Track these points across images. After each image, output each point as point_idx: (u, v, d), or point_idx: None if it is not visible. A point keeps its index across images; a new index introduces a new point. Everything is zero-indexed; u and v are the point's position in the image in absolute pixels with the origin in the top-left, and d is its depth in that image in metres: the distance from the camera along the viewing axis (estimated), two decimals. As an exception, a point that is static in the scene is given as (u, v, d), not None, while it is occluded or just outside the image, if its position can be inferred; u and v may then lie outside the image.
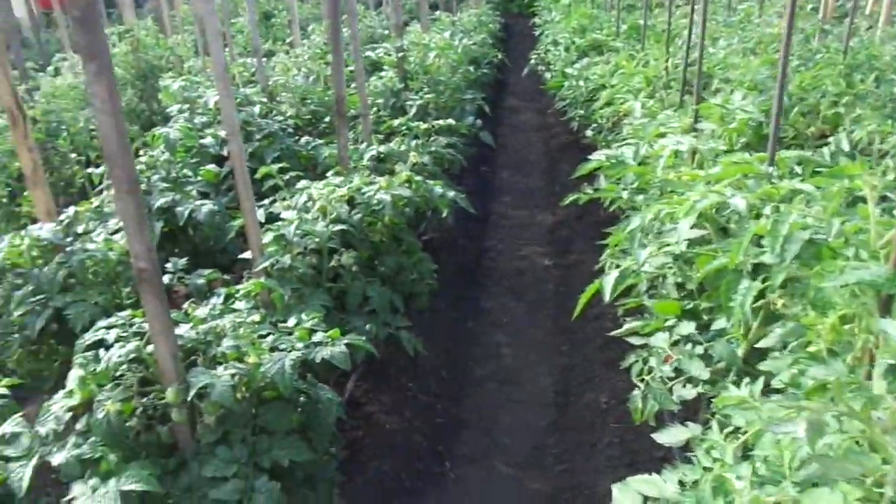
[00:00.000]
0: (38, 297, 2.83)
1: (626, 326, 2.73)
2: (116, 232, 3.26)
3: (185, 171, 3.75)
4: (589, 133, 6.47)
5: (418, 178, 3.47)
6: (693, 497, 1.58)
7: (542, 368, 4.26)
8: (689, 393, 2.32)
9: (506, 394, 4.04)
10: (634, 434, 3.42)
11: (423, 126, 4.28)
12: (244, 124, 4.35)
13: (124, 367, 2.14)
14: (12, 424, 2.10)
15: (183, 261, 3.23)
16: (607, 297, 2.41)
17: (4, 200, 4.73)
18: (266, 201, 3.51)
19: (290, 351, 2.11)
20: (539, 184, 7.58)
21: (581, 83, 5.85)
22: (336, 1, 3.45)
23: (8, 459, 2.02)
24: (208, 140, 3.94)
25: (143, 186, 3.62)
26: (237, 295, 2.50)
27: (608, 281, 2.39)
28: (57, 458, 1.95)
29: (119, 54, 6.69)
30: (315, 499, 2.27)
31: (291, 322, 2.38)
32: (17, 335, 2.90)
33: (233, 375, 2.00)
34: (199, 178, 3.95)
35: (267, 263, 2.86)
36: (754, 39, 4.57)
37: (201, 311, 2.34)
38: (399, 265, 3.50)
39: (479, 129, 4.78)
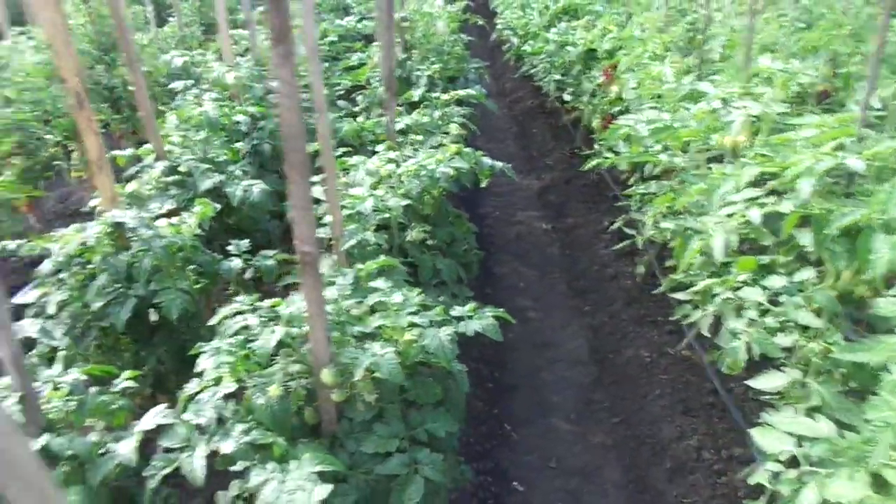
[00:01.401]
0: (116, 287, 2.74)
1: (701, 284, 2.90)
2: (158, 218, 3.14)
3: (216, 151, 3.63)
4: (567, 97, 6.62)
5: (467, 149, 3.51)
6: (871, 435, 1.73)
7: (570, 329, 4.42)
8: (785, 341, 2.52)
9: (542, 356, 4.19)
10: (682, 385, 3.65)
11: (444, 97, 4.29)
12: (264, 99, 4.23)
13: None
14: (161, 416, 2.06)
15: (245, 242, 3.18)
16: (720, 256, 2.54)
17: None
18: (315, 178, 3.47)
19: (439, 326, 2.15)
20: (514, 149, 7.70)
21: (570, 48, 5.95)
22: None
23: (168, 450, 1.99)
24: (241, 118, 3.82)
25: (181, 168, 3.49)
26: (361, 274, 2.50)
27: (718, 242, 2.51)
28: (226, 446, 1.94)
29: (75, 27, 6.30)
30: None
31: (398, 298, 2.40)
32: (92, 327, 2.81)
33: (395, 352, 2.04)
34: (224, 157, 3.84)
35: (354, 241, 2.86)
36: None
37: (330, 292, 2.33)
38: (452, 236, 3.55)
39: (486, 97, 4.82)
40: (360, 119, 4.54)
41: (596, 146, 5.76)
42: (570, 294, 4.83)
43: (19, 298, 2.90)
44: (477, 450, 3.40)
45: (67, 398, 2.20)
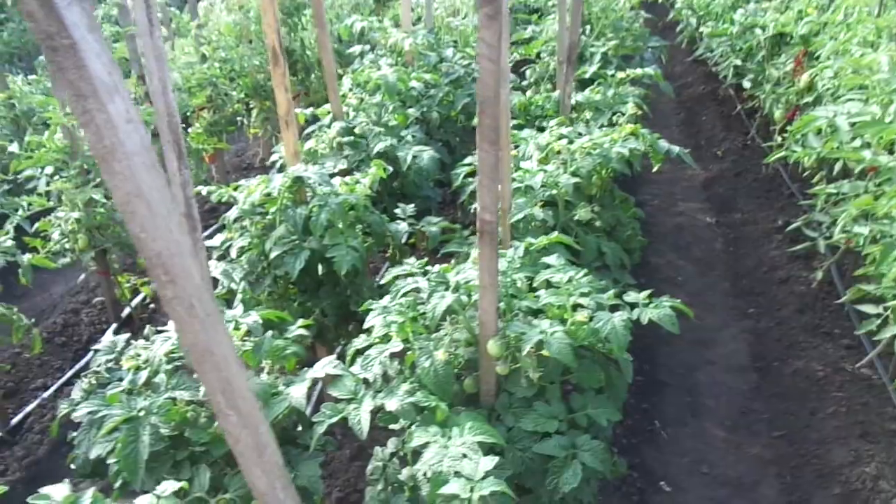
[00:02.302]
0: (292, 238, 2.86)
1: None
2: (333, 176, 3.24)
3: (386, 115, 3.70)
4: (746, 84, 6.16)
5: (644, 130, 3.34)
6: None
7: (730, 331, 4.15)
8: None
9: (698, 355, 3.96)
10: (860, 406, 3.31)
11: (620, 75, 4.11)
12: (436, 67, 4.26)
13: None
14: (331, 366, 2.13)
15: (411, 207, 3.22)
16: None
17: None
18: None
19: (610, 310, 2.07)
20: (680, 136, 7.30)
21: (758, 31, 5.51)
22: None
23: (337, 400, 2.06)
24: (416, 84, 3.87)
25: (356, 129, 3.59)
26: (532, 249, 2.46)
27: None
28: (391, 404, 1.98)
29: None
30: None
31: (565, 276, 2.32)
32: (266, 274, 2.97)
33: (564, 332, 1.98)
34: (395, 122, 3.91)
35: (521, 216, 2.81)
36: None
37: (500, 264, 2.30)
38: (617, 220, 3.41)
39: (662, 79, 4.58)
40: (528, 93, 4.47)
41: (778, 138, 5.35)
42: (732, 294, 4.53)
43: (207, 242, 3.11)
44: (623, 443, 3.28)
45: (245, 339, 2.34)
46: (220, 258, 3.04)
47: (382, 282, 2.43)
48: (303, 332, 2.37)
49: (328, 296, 3.09)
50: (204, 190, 3.12)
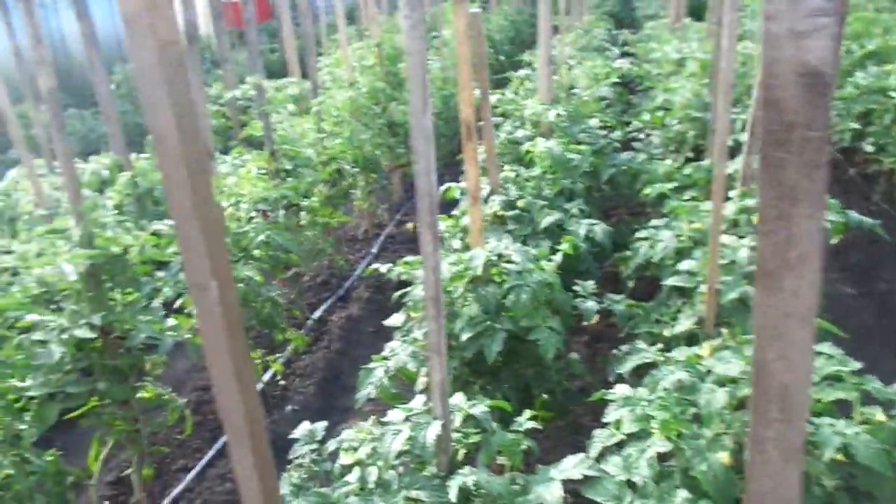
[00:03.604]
0: (484, 320, 2.73)
1: None
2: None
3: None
4: (869, 148, 5.95)
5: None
6: None
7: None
8: None
9: None
10: None
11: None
12: (579, 139, 4.18)
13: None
14: (584, 465, 1.95)
15: (590, 283, 3.07)
16: None
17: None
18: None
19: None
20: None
21: (893, 94, 5.34)
22: None
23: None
24: (575, 156, 3.78)
25: (519, 203, 3.49)
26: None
27: None
28: None
29: (367, 67, 6.79)
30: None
31: (841, 368, 2.11)
32: (453, 357, 2.82)
33: None
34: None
35: (736, 294, 2.63)
36: None
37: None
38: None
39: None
40: (667, 162, 4.34)
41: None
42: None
43: (389, 321, 3.00)
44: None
45: (472, 431, 2.18)
46: (404, 338, 2.91)
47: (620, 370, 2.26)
48: (534, 424, 2.20)
49: (511, 378, 2.93)
50: (384, 268, 3.03)
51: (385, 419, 2.21)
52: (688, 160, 4.47)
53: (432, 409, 2.09)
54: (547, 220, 3.31)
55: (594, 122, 4.32)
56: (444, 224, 3.60)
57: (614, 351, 3.17)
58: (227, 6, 14.15)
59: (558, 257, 2.86)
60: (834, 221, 3.22)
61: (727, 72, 2.34)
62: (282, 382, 4.49)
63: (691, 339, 2.85)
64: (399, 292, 3.05)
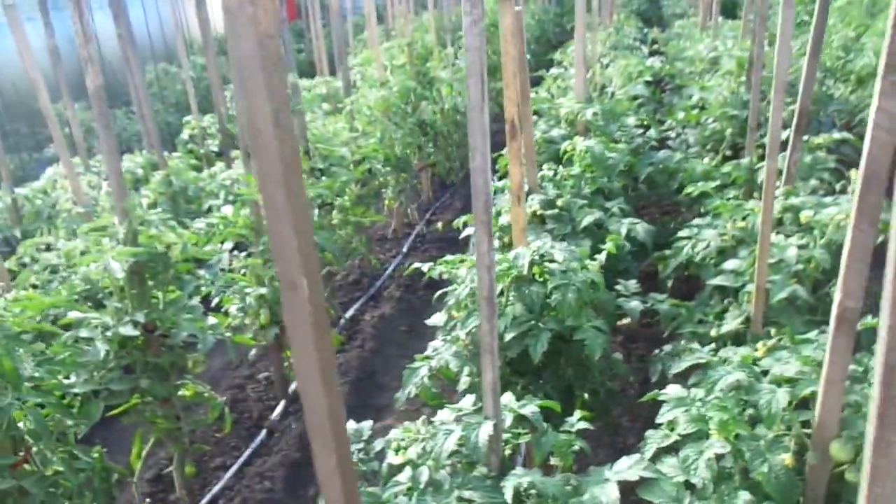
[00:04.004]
0: (528, 319, 2.70)
1: None
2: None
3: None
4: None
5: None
6: None
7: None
8: None
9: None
10: None
11: (817, 141, 3.90)
12: (615, 137, 4.14)
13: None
14: (640, 467, 1.92)
15: (633, 283, 3.04)
16: None
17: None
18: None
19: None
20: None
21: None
22: None
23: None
24: (614, 155, 3.74)
25: (559, 202, 3.47)
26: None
27: None
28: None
29: (399, 67, 6.80)
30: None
31: None
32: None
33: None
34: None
35: (785, 294, 2.58)
36: None
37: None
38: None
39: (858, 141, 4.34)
40: (706, 161, 4.29)
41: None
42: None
43: (431, 321, 2.99)
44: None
45: (519, 432, 2.16)
46: (446, 338, 2.90)
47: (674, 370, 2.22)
48: (585, 424, 2.18)
49: (552, 378, 2.90)
50: (425, 267, 3.03)
51: (435, 419, 2.20)
52: (725, 158, 4.42)
53: (483, 409, 2.08)
54: (587, 219, 3.28)
55: (631, 120, 4.28)
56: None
57: (656, 351, 3.14)
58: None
59: (602, 256, 2.83)
60: None
61: (782, 67, 2.30)
62: (316, 381, 4.49)
63: (737, 338, 2.81)
64: (441, 291, 3.04)
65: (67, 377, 2.80)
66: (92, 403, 2.93)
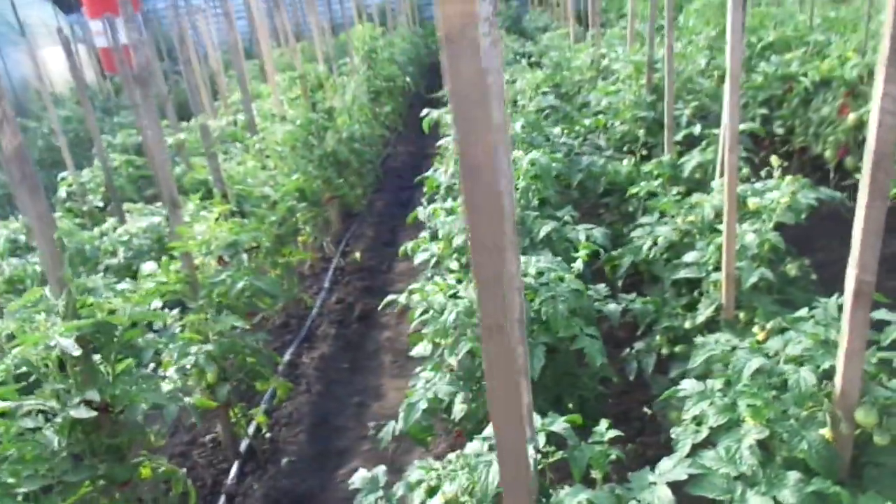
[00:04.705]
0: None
1: None
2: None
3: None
4: (778, 130, 6.42)
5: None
6: None
7: None
8: None
9: None
10: None
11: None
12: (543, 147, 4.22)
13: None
14: (685, 465, 1.94)
15: (602, 287, 3.10)
16: None
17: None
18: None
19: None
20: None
21: (802, 79, 5.75)
22: None
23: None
24: (556, 166, 3.78)
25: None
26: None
27: None
28: (784, 496, 1.79)
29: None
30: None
31: None
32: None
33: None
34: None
35: (755, 279, 2.72)
36: None
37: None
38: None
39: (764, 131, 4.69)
40: (625, 162, 4.48)
41: (833, 175, 5.58)
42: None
43: (415, 352, 2.90)
44: None
45: (551, 449, 2.12)
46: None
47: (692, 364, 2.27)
48: (615, 432, 2.17)
49: (543, 391, 2.90)
50: (402, 297, 2.93)
51: (466, 451, 2.12)
52: (642, 158, 4.64)
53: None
54: (544, 229, 3.32)
55: (556, 130, 4.40)
56: (436, 247, 3.53)
57: (627, 350, 3.22)
58: (105, 52, 13.45)
59: (579, 264, 2.86)
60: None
61: (735, 69, 2.44)
62: (268, 435, 4.24)
63: (710, 326, 2.93)
64: (418, 320, 2.95)
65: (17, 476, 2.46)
66: (44, 502, 2.59)
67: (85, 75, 11.79)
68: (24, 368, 2.84)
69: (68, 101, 12.27)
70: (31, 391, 2.82)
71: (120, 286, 3.68)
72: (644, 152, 4.66)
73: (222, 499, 3.75)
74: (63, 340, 2.46)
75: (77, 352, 2.45)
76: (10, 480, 2.48)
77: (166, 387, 3.05)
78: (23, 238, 5.74)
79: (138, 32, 3.43)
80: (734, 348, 2.19)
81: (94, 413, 2.60)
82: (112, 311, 2.80)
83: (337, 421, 4.36)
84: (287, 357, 5.00)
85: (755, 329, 2.32)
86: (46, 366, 2.76)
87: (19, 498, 2.50)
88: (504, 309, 0.80)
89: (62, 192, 7.07)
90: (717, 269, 2.92)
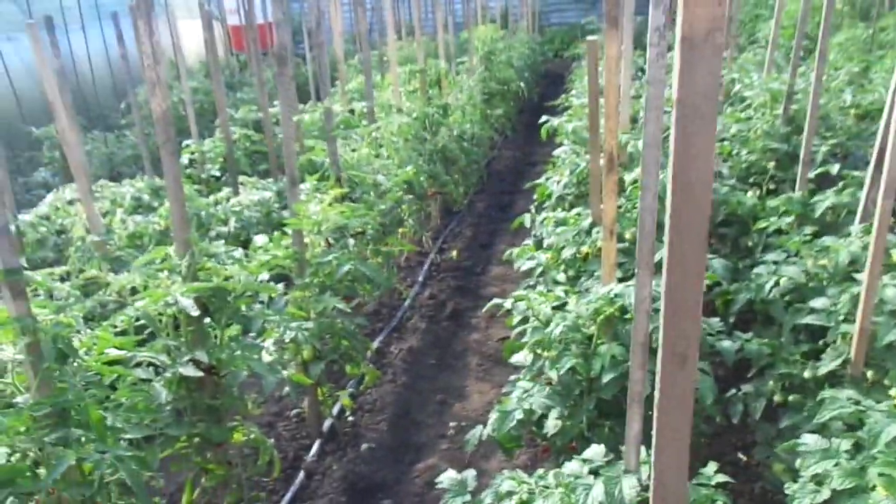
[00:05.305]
0: (623, 360, 2.59)
1: None
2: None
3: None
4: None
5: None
6: None
7: None
8: None
9: None
10: None
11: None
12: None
13: None
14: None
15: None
16: None
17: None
18: None
19: None
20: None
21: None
22: None
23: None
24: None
25: (627, 235, 3.38)
26: None
27: None
28: None
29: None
30: None
31: None
32: (588, 398, 2.68)
33: None
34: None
35: None
36: None
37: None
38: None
39: None
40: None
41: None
42: None
43: (515, 358, 2.86)
44: None
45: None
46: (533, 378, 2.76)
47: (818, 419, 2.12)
48: (724, 477, 2.06)
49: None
50: (507, 303, 2.90)
51: (565, 470, 2.05)
52: (768, 192, 4.40)
53: (625, 462, 1.95)
54: (658, 255, 3.19)
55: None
56: (543, 256, 3.47)
57: (733, 391, 3.05)
58: (235, 30, 14.02)
59: (697, 294, 2.73)
60: None
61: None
62: (350, 418, 4.29)
63: (832, 380, 2.73)
64: (519, 328, 2.91)
65: (128, 422, 2.58)
66: (148, 450, 2.71)
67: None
68: (141, 322, 3.00)
69: (197, 73, 12.92)
70: (143, 344, 2.97)
71: (235, 255, 3.85)
72: (771, 186, 4.42)
73: (301, 474, 3.82)
74: (183, 300, 2.57)
75: (196, 312, 2.54)
76: (120, 425, 2.61)
77: (267, 357, 3.13)
78: (146, 197, 6.07)
79: (282, 12, 3.54)
80: (862, 407, 2.03)
81: (201, 373, 2.70)
82: (227, 278, 2.90)
83: (419, 415, 4.37)
84: (376, 344, 5.06)
85: (892, 392, 2.14)
86: (160, 322, 2.89)
87: (123, 444, 2.62)
88: (693, 339, 0.74)
89: (185, 158, 7.44)
90: (848, 320, 2.72)
